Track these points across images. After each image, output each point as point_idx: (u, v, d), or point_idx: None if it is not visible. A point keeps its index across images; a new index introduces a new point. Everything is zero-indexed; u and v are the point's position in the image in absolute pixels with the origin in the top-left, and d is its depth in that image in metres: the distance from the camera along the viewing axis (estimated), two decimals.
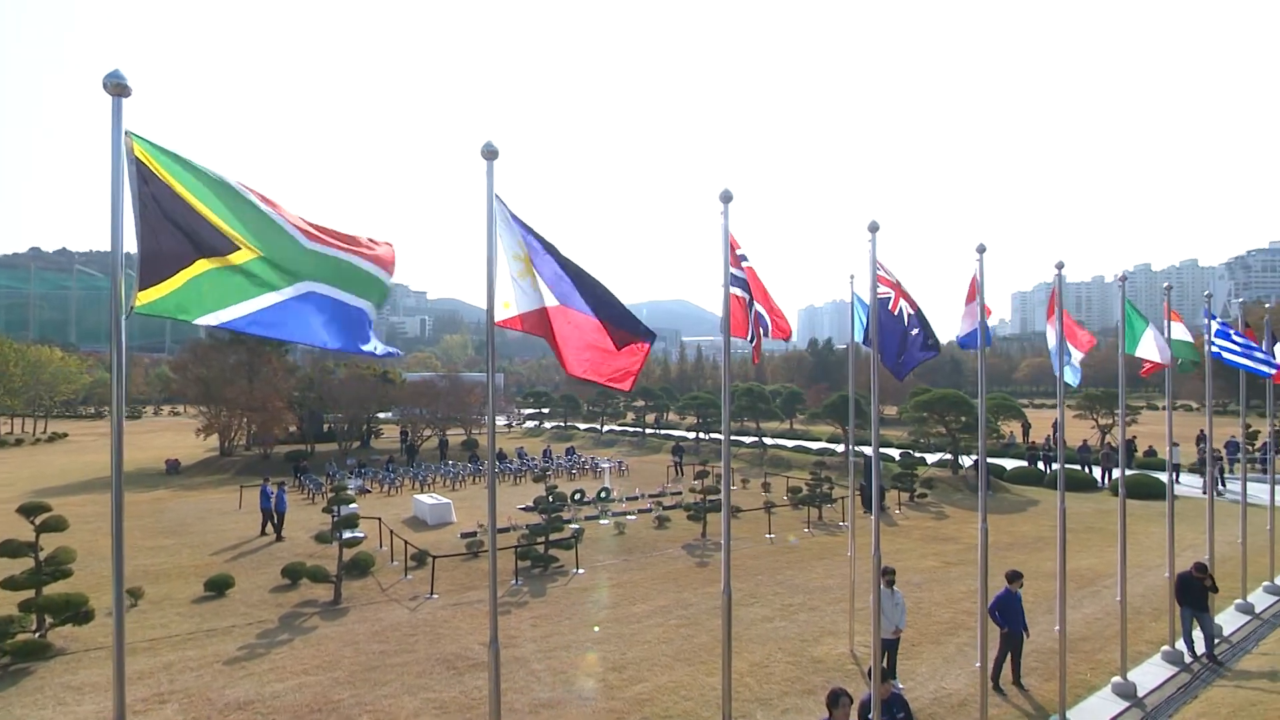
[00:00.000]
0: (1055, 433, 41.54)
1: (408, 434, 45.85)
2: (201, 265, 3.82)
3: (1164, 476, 29.23)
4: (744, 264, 7.31)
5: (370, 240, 4.76)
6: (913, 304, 7.86)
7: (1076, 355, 9.85)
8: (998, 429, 34.80)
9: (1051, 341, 9.40)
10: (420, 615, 14.19)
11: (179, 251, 3.72)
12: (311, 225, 4.23)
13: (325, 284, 4.33)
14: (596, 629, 13.28)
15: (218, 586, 15.43)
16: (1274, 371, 15.57)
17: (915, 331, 7.95)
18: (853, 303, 12.06)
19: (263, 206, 4.03)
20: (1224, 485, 28.98)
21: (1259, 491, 23.54)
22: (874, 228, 6.96)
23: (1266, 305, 15.42)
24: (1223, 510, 17.05)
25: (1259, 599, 14.98)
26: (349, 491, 27.16)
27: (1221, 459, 31.18)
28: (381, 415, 51.41)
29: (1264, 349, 15.42)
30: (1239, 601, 14.41)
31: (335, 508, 16.11)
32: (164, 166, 3.67)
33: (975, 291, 7.85)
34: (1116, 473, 30.56)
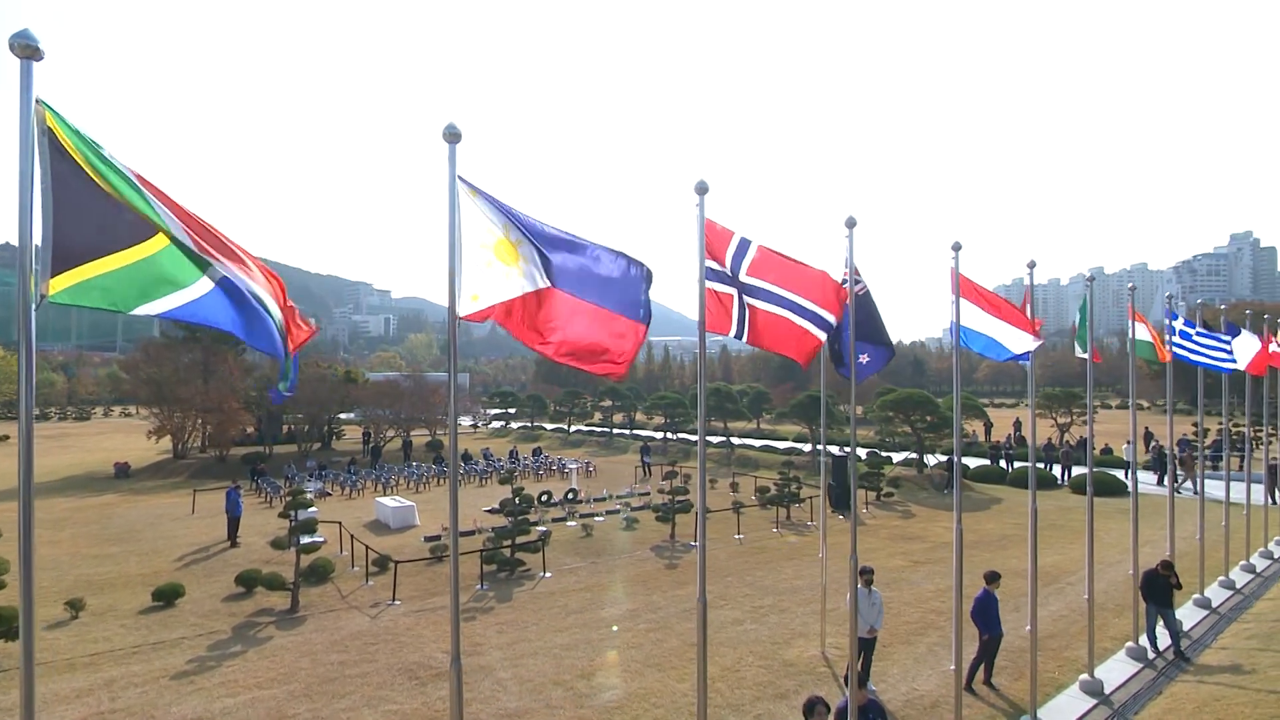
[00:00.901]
0: (1016, 431, 42.39)
1: (370, 435, 44.87)
2: (127, 251, 3.45)
3: (1122, 474, 29.98)
4: (747, 255, 6.88)
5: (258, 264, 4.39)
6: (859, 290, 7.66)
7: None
8: (962, 428, 35.30)
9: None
10: (381, 623, 13.72)
11: (97, 234, 3.34)
12: (203, 229, 3.86)
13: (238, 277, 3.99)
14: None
15: (166, 596, 14.72)
16: (1233, 366, 15.91)
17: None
18: None
19: (152, 199, 3.66)
20: (1179, 482, 29.73)
21: (1214, 488, 24.20)
22: (851, 223, 6.80)
23: (1223, 306, 15.76)
24: (1179, 506, 17.33)
25: (1215, 594, 15.28)
26: (308, 495, 26.43)
27: (1178, 457, 32.01)
28: (344, 416, 50.27)
29: (1225, 343, 15.75)
30: (1197, 596, 14.68)
31: (292, 512, 15.50)
32: (74, 142, 3.29)
33: (954, 289, 7.75)
34: (1077, 470, 31.20)
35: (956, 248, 7.98)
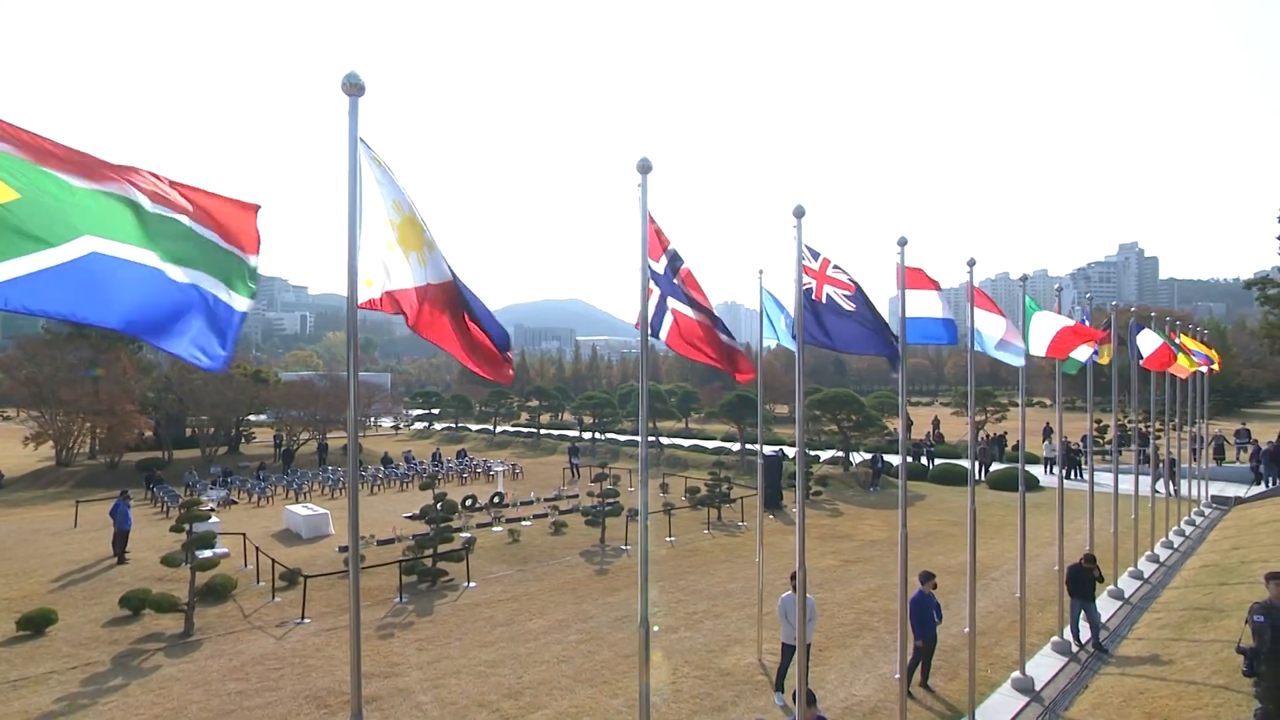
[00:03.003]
0: (935, 429, 43.84)
1: (282, 438, 42.42)
2: None
3: (1035, 469, 31.28)
4: (680, 267, 6.43)
5: (205, 195, 3.63)
6: (846, 285, 7.30)
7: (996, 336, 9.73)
8: (882, 425, 36.12)
9: (994, 332, 9.31)
10: (288, 644, 12.59)
11: None
12: (85, 158, 3.08)
13: (120, 242, 3.19)
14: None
15: (35, 624, 13.07)
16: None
17: (864, 313, 7.39)
18: (761, 300, 11.63)
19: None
20: (1080, 476, 31.22)
21: (1107, 480, 25.45)
22: (799, 212, 6.41)
23: (1112, 310, 16.43)
24: (1080, 501, 17.92)
25: (1126, 584, 15.87)
26: (209, 504, 24.53)
27: (1080, 452, 33.67)
28: (254, 418, 47.38)
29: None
30: (1111, 588, 15.18)
31: (187, 524, 14.08)
32: None
33: (900, 284, 7.48)
34: (994, 466, 32.38)
35: (902, 243, 7.74)
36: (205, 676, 11.22)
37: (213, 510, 22.76)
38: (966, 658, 10.56)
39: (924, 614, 10.29)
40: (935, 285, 8.14)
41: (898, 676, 8.20)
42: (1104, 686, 10.45)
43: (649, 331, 5.92)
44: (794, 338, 7.20)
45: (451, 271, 4.25)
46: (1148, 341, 18.08)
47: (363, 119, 3.73)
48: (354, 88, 3.61)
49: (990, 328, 9.69)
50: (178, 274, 3.44)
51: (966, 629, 9.40)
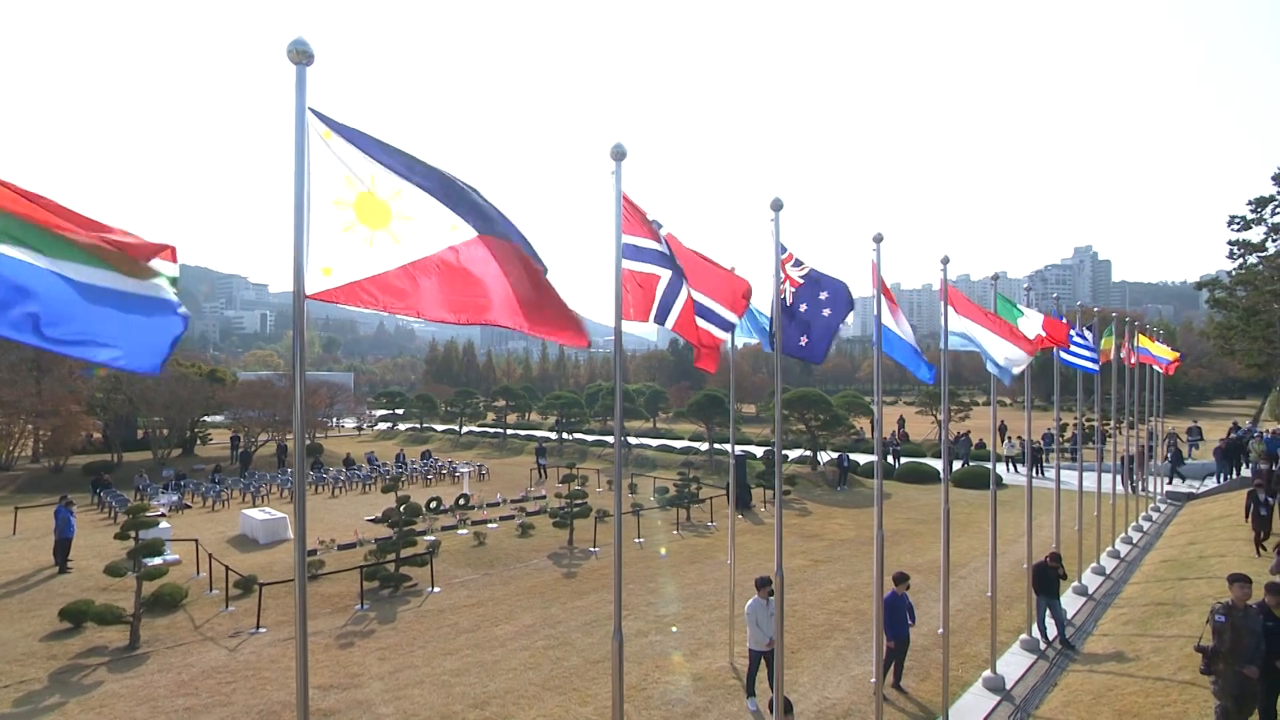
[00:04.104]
0: (900, 428, 44.39)
1: (240, 439, 41.13)
2: None
3: (1000, 468, 31.75)
4: (661, 230, 6.07)
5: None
6: (799, 278, 7.09)
7: (1001, 350, 9.66)
8: (850, 424, 36.40)
9: (986, 342, 9.25)
10: (241, 656, 12.04)
11: None
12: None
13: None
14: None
15: None
16: (1095, 367, 16.92)
17: (804, 307, 7.16)
18: None
19: None
20: (1043, 473, 31.80)
21: (1067, 477, 25.99)
22: (777, 205, 6.20)
23: (1068, 311, 16.71)
24: (1044, 497, 18.24)
25: (1089, 580, 16.09)
26: (160, 509, 23.60)
27: (1042, 450, 34.31)
28: (211, 419, 45.86)
29: (1092, 348, 16.68)
30: (1075, 584, 15.36)
31: (132, 531, 13.38)
32: None
33: (875, 283, 7.34)
34: (956, 464, 32.83)
35: (878, 239, 7.59)
36: (151, 692, 10.64)
37: (163, 515, 21.90)
38: (937, 657, 10.54)
39: (897, 615, 10.20)
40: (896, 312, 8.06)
41: (874, 681, 8.06)
42: (1073, 684, 10.49)
43: (658, 321, 5.66)
44: (772, 336, 7.00)
45: (469, 223, 3.79)
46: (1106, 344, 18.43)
47: (318, 96, 3.43)
48: (302, 55, 3.28)
49: (994, 347, 9.57)
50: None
51: (940, 629, 9.34)
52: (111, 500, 25.73)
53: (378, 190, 3.61)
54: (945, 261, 8.76)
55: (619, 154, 4.82)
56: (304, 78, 3.29)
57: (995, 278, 10.72)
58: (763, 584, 9.74)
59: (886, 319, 7.96)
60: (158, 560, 14.22)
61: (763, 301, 10.28)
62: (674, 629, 13.00)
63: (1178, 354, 23.90)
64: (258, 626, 13.34)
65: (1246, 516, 16.52)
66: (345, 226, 3.54)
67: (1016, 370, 9.67)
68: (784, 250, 7.00)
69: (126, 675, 11.28)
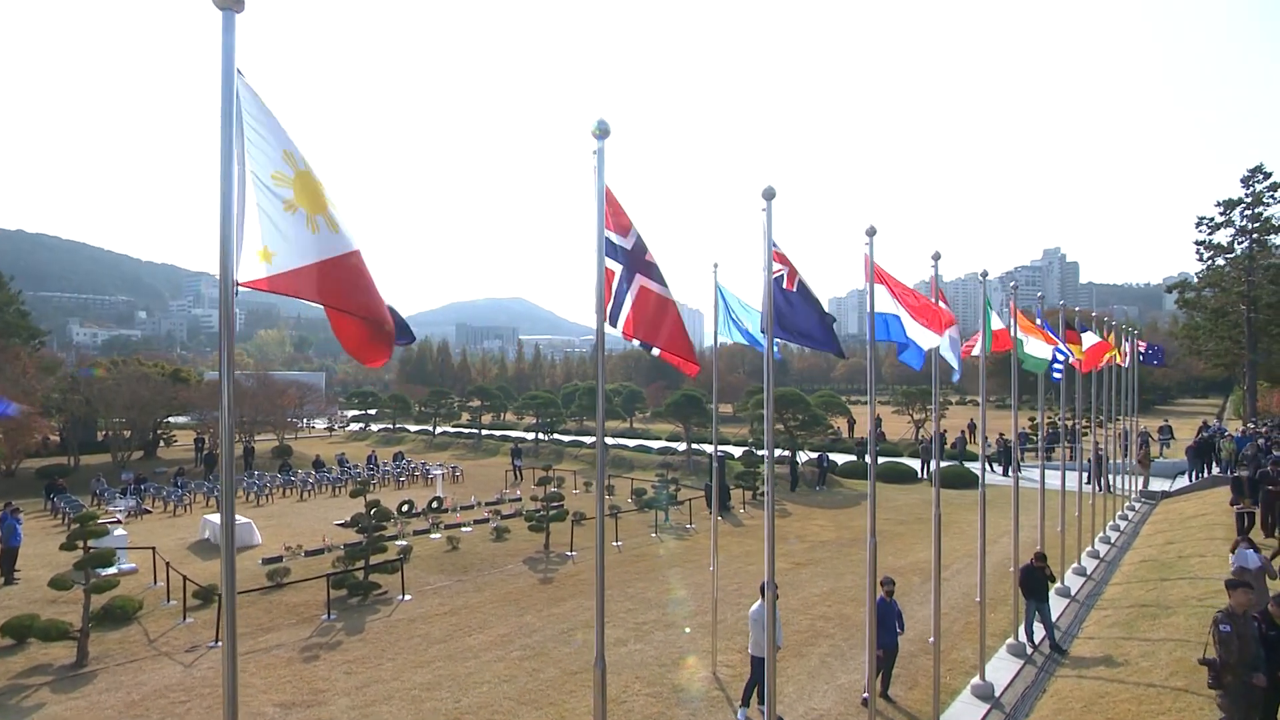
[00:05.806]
0: (877, 427, 44.51)
1: (204, 441, 39.97)
2: None
3: (973, 466, 31.78)
4: (645, 251, 5.59)
5: None
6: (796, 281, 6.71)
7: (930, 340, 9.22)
8: (828, 424, 36.29)
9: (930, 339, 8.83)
10: (198, 672, 11.38)
11: None
12: None
13: None
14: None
15: None
16: (1060, 375, 16.79)
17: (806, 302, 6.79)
18: (716, 295, 11.06)
19: None
20: (1020, 472, 31.85)
21: (1048, 477, 26.07)
22: (770, 194, 5.81)
23: (1076, 309, 16.68)
24: (1024, 497, 18.21)
25: (1071, 581, 15.98)
26: (117, 514, 22.62)
27: (1015, 449, 34.40)
28: (175, 420, 44.50)
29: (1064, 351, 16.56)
30: (1059, 585, 15.22)
31: (80, 540, 12.57)
32: None
33: (868, 276, 6.99)
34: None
35: (871, 232, 7.25)
36: (98, 714, 9.96)
37: (119, 521, 20.94)
38: (923, 664, 10.26)
39: (884, 621, 9.88)
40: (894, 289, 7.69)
41: (865, 696, 7.71)
42: (1063, 690, 10.26)
43: (606, 321, 5.19)
44: (763, 332, 6.60)
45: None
46: (1086, 343, 18.37)
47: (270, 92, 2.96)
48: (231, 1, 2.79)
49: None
50: None
51: (931, 639, 9.03)
52: (65, 506, 24.66)
53: (314, 170, 3.11)
54: (936, 257, 8.43)
55: (602, 131, 4.37)
56: (233, 25, 2.78)
57: (984, 274, 10.46)
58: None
59: (887, 306, 7.63)
60: (111, 570, 13.45)
61: (754, 299, 9.90)
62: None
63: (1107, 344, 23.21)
64: (216, 640, 12.67)
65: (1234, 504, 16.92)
66: (286, 205, 3.03)
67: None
68: (775, 246, 6.64)
69: (71, 695, 10.56)
